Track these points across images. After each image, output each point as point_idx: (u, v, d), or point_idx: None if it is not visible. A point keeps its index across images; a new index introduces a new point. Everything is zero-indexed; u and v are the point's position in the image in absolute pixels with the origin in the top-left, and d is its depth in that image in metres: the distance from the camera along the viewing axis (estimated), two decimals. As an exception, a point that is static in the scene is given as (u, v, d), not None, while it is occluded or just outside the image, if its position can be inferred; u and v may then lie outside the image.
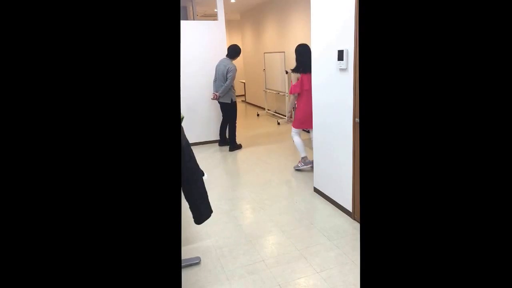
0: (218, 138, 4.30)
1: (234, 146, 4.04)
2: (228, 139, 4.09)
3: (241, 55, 9.50)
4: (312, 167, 3.11)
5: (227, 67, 3.75)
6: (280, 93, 5.58)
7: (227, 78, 3.76)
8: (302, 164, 3.19)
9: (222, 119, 4.10)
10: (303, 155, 3.16)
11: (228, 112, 3.95)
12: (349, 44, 2.01)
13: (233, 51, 3.83)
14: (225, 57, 3.85)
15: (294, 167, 3.27)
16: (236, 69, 3.79)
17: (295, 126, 3.11)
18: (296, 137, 3.17)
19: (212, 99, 3.94)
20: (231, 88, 3.82)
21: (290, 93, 3.05)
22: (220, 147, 4.18)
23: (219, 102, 3.95)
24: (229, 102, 3.87)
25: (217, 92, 3.84)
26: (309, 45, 2.93)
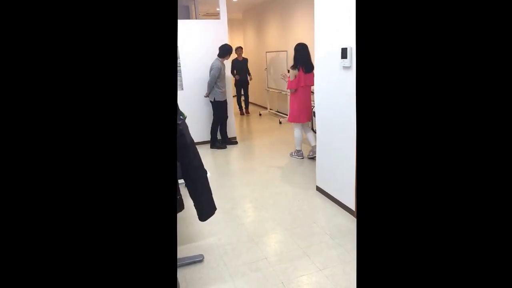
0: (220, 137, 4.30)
1: (214, 144, 4.12)
2: (220, 139, 4.17)
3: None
4: (302, 157, 3.57)
5: (211, 65, 3.84)
6: (282, 93, 5.57)
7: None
8: (295, 155, 3.59)
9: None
10: (297, 148, 3.54)
11: (214, 111, 4.00)
12: (353, 42, 2.01)
13: (222, 50, 3.83)
14: (216, 57, 3.87)
15: (289, 153, 3.67)
16: (219, 68, 3.76)
17: (289, 120, 3.46)
18: (296, 130, 3.47)
19: (204, 96, 4.09)
20: (214, 86, 3.84)
21: (288, 88, 3.41)
22: (212, 149, 4.13)
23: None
24: (212, 100, 3.92)
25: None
26: (310, 43, 2.96)
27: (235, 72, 5.72)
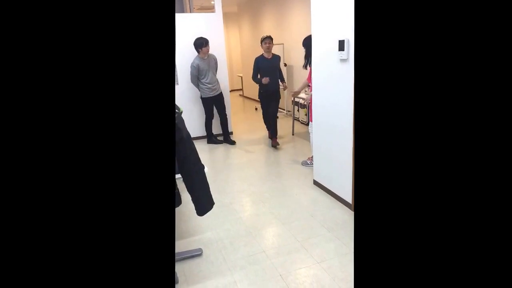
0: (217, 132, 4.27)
1: (210, 139, 4.07)
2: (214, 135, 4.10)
3: (238, 48, 8.82)
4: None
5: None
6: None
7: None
8: (312, 162, 2.92)
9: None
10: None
11: (204, 108, 3.90)
12: (350, 34, 2.00)
13: (195, 45, 3.55)
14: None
15: (301, 162, 3.19)
16: (195, 66, 3.54)
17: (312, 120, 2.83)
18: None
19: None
20: (199, 84, 3.68)
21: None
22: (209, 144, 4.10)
23: None
24: (200, 97, 3.84)
25: None
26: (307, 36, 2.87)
27: (259, 76, 3.62)
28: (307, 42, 2.79)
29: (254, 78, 3.68)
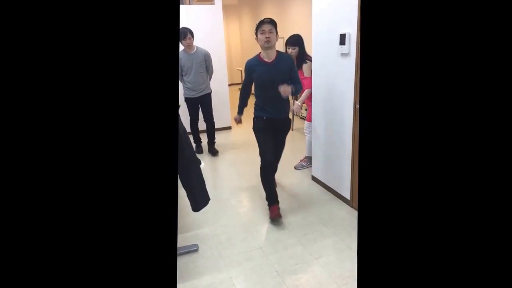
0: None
1: (197, 143, 3.54)
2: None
3: (238, 42, 8.69)
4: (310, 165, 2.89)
5: None
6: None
7: None
8: (308, 163, 2.95)
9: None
10: (308, 154, 2.89)
11: None
12: (352, 28, 1.96)
13: None
14: None
15: (295, 167, 2.99)
16: (183, 60, 3.10)
17: (309, 120, 2.77)
18: (310, 135, 2.81)
19: None
20: (183, 81, 3.24)
21: (310, 87, 2.56)
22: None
23: None
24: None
25: None
26: (307, 30, 2.81)
27: (251, 88, 2.19)
28: (297, 40, 2.66)
29: (242, 95, 2.19)
